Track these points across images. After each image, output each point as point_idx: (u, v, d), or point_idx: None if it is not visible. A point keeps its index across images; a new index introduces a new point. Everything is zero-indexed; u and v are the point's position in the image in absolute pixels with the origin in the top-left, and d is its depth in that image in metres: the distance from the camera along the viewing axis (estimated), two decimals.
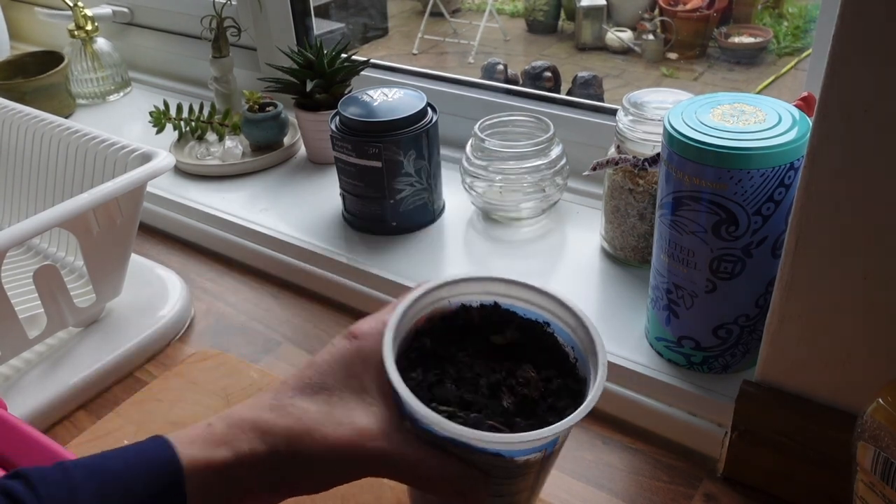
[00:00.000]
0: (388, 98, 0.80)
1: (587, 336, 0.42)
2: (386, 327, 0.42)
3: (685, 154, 0.52)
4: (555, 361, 0.44)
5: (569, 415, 0.39)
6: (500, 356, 0.44)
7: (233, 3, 1.05)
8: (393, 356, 0.40)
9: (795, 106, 0.54)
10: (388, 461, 0.40)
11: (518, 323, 0.45)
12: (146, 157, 0.70)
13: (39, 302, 0.68)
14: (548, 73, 2.78)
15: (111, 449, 0.39)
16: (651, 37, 3.20)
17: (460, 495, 0.41)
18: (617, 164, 0.68)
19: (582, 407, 0.39)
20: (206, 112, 1.01)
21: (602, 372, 0.40)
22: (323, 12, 2.93)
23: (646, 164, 0.66)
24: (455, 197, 0.86)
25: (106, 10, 1.23)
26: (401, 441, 0.40)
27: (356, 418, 0.40)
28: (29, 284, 0.67)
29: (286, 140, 0.99)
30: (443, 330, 0.45)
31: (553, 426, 0.38)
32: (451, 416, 0.40)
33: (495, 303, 0.45)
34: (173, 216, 0.93)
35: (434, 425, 0.38)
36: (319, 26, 1.13)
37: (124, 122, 1.13)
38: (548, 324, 0.45)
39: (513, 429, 0.40)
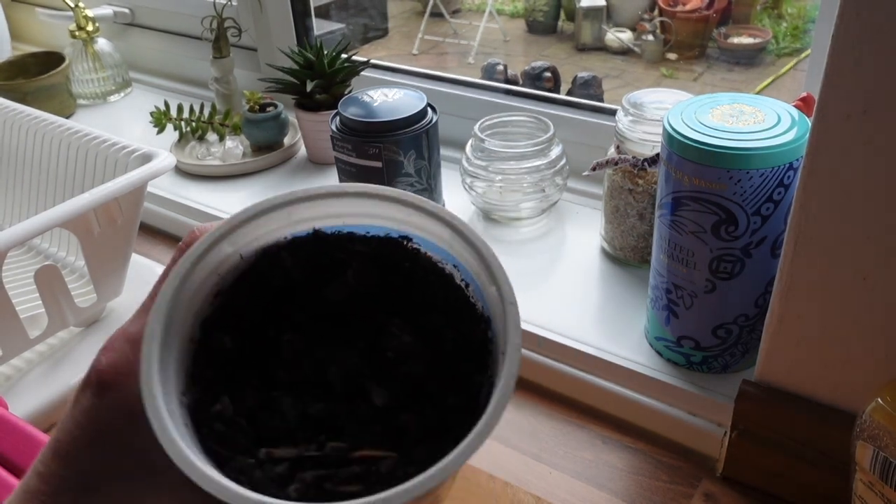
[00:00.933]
0: (389, 98, 0.80)
1: (474, 255, 0.26)
2: (141, 358, 0.24)
3: (685, 154, 0.53)
4: (435, 295, 0.28)
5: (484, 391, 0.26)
6: (352, 314, 0.28)
7: (233, 3, 1.06)
8: (164, 406, 0.24)
9: (795, 106, 0.55)
10: None
11: (360, 253, 0.29)
12: (147, 158, 0.70)
13: (40, 302, 0.68)
14: (547, 74, 2.77)
15: None
16: (651, 37, 3.19)
17: None
18: (617, 164, 0.68)
19: (498, 399, 0.24)
20: (206, 112, 1.01)
21: (512, 313, 0.25)
22: (323, 13, 2.92)
23: (645, 164, 0.67)
24: (455, 197, 0.86)
25: (107, 10, 1.23)
26: None
27: None
28: (30, 284, 0.67)
29: (286, 140, 0.99)
30: (245, 304, 0.28)
31: (455, 453, 0.23)
32: (294, 466, 0.25)
33: (314, 231, 0.28)
34: (174, 216, 0.93)
35: None
36: (319, 27, 1.13)
37: (125, 122, 1.13)
38: (408, 238, 0.28)
39: (401, 449, 0.26)
